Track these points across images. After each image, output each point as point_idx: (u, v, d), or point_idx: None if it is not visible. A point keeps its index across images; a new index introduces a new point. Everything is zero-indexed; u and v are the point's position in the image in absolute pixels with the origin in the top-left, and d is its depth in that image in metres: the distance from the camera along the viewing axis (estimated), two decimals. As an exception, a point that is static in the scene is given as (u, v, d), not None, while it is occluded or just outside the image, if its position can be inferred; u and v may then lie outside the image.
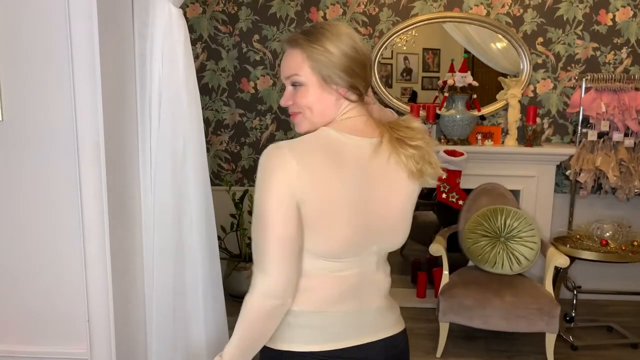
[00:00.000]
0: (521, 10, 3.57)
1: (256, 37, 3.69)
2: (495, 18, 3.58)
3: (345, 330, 1.13)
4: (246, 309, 1.07)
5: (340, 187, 1.05)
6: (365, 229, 1.09)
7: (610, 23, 3.54)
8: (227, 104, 3.78)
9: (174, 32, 1.62)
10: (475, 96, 3.53)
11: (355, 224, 1.07)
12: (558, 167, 3.58)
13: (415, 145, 1.10)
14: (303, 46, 1.09)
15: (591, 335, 3.21)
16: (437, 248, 2.98)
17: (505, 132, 3.61)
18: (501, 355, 2.99)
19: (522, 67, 3.60)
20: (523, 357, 2.94)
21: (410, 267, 4.01)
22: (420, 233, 4.41)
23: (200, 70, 3.71)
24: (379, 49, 3.61)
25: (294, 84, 1.12)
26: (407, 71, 3.85)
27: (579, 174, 3.43)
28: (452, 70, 3.57)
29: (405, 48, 3.79)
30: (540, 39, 3.58)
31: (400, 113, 3.64)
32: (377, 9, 3.61)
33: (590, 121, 3.42)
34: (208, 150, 3.78)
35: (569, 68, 3.60)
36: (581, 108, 3.43)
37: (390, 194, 1.11)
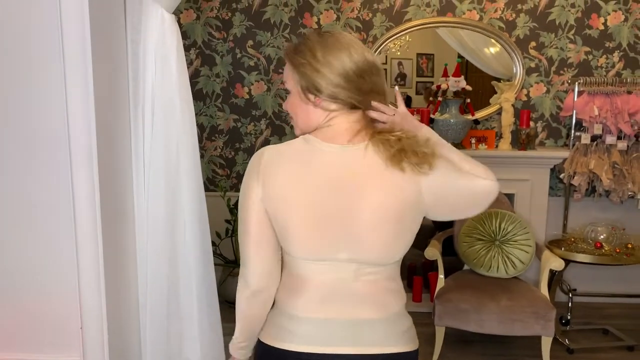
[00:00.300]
0: (514, 15, 3.59)
1: (250, 42, 3.69)
2: (488, 23, 3.60)
3: (329, 338, 1.14)
4: (237, 297, 1.23)
5: (297, 190, 1.10)
6: (326, 234, 1.11)
7: (602, 27, 3.57)
8: (222, 109, 3.78)
9: (167, 38, 1.61)
10: (468, 100, 3.54)
11: (311, 228, 1.10)
12: (552, 170, 3.60)
13: (396, 136, 1.12)
14: (289, 58, 1.16)
15: (587, 338, 3.21)
16: (433, 252, 2.97)
17: (499, 136, 3.63)
18: (497, 358, 2.98)
19: (515, 71, 3.62)
20: (519, 360, 2.94)
21: (406, 271, 4.00)
22: (415, 237, 4.42)
23: (194, 76, 3.71)
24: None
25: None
26: (401, 76, 3.86)
27: (573, 177, 3.45)
28: (445, 75, 3.58)
29: (399, 53, 3.81)
30: (533, 43, 3.61)
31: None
32: (370, 15, 3.63)
33: (584, 124, 3.44)
34: (202, 155, 3.78)
35: (561, 72, 3.63)
36: (574, 111, 3.45)
37: (361, 203, 1.09)
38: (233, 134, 3.80)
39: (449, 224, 3.34)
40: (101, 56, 1.47)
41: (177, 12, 3.54)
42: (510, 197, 3.49)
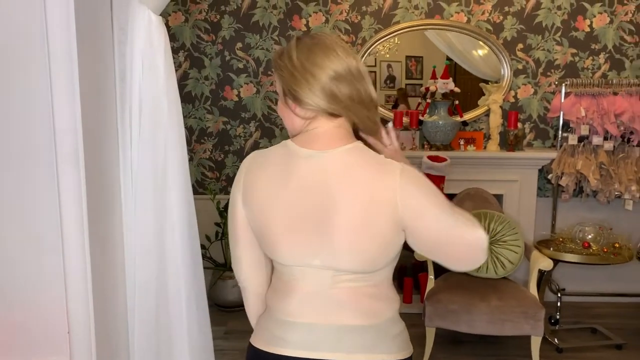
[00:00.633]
0: (501, 17, 3.62)
1: (239, 45, 3.69)
2: (476, 25, 3.62)
3: (315, 344, 1.13)
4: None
5: (274, 197, 1.11)
6: (300, 241, 1.10)
7: (588, 29, 3.61)
8: (211, 112, 3.77)
9: (154, 40, 1.60)
10: (457, 102, 3.57)
11: (286, 234, 1.11)
12: (540, 171, 3.63)
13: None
14: (274, 65, 1.16)
15: (576, 337, 3.24)
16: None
17: (488, 137, 3.65)
18: (488, 359, 3.00)
19: (502, 73, 3.65)
20: (509, 360, 2.96)
21: (397, 272, 4.00)
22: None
23: (183, 79, 3.69)
24: (362, 57, 3.63)
25: None
26: (391, 78, 3.87)
27: (561, 177, 3.48)
28: (434, 77, 3.60)
29: (388, 56, 3.82)
30: (520, 45, 3.64)
31: (384, 120, 3.67)
32: (359, 17, 3.64)
33: (571, 125, 3.47)
34: (191, 158, 3.76)
35: (548, 73, 3.66)
36: (561, 113, 3.48)
37: (335, 209, 1.06)
38: (222, 136, 3.79)
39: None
40: (87, 57, 1.46)
41: (165, 15, 3.53)
42: (499, 197, 3.51)
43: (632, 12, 3.57)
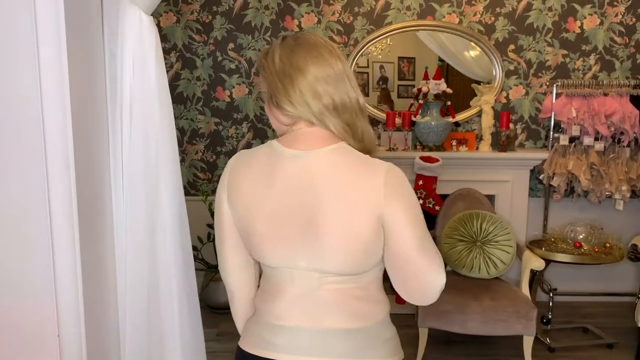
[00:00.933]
0: (493, 19, 3.64)
1: (231, 45, 3.68)
2: (468, 26, 3.64)
3: (303, 347, 1.11)
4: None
5: (259, 198, 1.10)
6: (285, 242, 1.08)
7: (579, 30, 3.63)
8: (203, 112, 3.75)
9: (145, 40, 1.59)
10: (449, 103, 3.58)
11: (271, 236, 1.10)
12: (532, 171, 3.65)
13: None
14: (259, 61, 1.15)
15: (568, 337, 3.25)
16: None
17: (480, 138, 3.66)
18: (480, 358, 3.00)
19: (494, 74, 3.67)
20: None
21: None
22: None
23: (174, 79, 3.68)
24: (355, 58, 3.63)
25: None
26: (383, 79, 3.88)
27: (552, 178, 3.50)
28: (426, 77, 3.61)
29: (380, 57, 3.82)
30: (512, 46, 3.66)
31: (376, 121, 3.68)
32: (351, 18, 3.64)
33: (562, 126, 3.49)
34: (183, 159, 3.74)
35: (540, 74, 3.68)
36: (553, 113, 3.50)
37: (320, 211, 1.05)
38: (214, 137, 3.78)
39: (431, 226, 3.36)
40: (77, 58, 1.45)
41: (156, 15, 3.51)
42: (491, 198, 3.52)
43: (622, 13, 3.60)
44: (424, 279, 1.07)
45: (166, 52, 3.58)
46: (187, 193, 1.87)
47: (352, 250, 1.06)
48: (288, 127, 1.12)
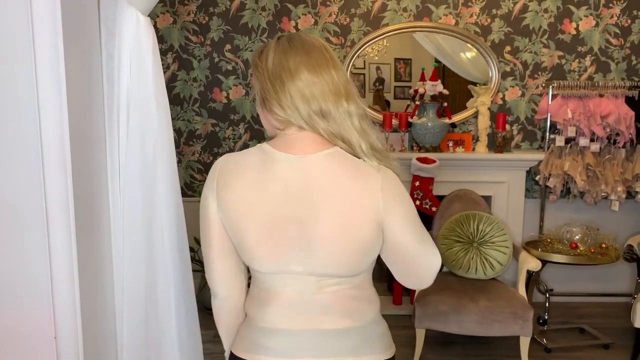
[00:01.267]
0: (489, 20, 3.65)
1: (228, 46, 3.67)
2: (464, 27, 3.65)
3: (300, 350, 1.11)
4: (212, 308, 1.25)
5: (251, 202, 1.07)
6: (280, 247, 1.07)
7: (574, 32, 3.65)
8: (199, 114, 3.75)
9: (142, 41, 1.59)
10: (446, 104, 3.58)
11: (265, 241, 1.07)
12: (528, 172, 3.66)
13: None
14: (253, 60, 1.13)
15: (564, 337, 3.26)
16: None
17: (476, 139, 3.67)
18: (477, 359, 3.01)
19: (491, 75, 3.68)
20: (498, 361, 2.97)
21: (386, 274, 4.02)
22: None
23: (171, 81, 3.67)
24: (351, 59, 3.64)
25: None
26: (380, 81, 3.88)
27: (548, 179, 3.51)
28: (423, 79, 3.62)
29: (377, 58, 3.83)
30: (508, 48, 3.67)
31: (373, 122, 3.68)
32: (348, 19, 3.64)
33: (558, 127, 3.50)
34: (180, 160, 3.74)
35: (536, 76, 3.69)
36: (548, 114, 3.51)
37: (317, 215, 1.05)
38: (211, 138, 3.77)
39: (428, 227, 3.37)
40: (74, 59, 1.44)
41: (153, 16, 3.50)
42: (487, 199, 3.53)
43: (617, 15, 3.61)
44: (424, 265, 1.14)
45: (163, 53, 3.58)
46: (183, 194, 1.86)
47: (351, 253, 1.07)
48: (274, 130, 1.12)
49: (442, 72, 3.76)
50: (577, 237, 3.28)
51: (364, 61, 3.79)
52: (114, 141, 1.66)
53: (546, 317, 3.33)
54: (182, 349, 1.79)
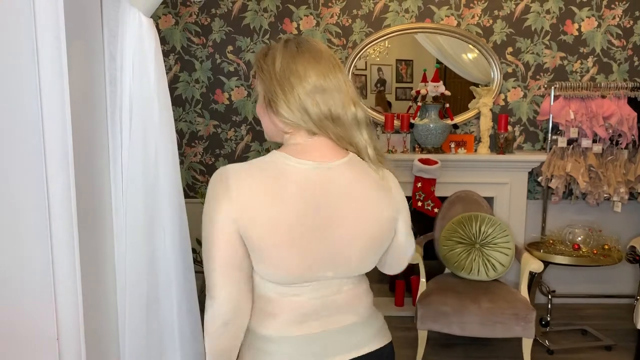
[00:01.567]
0: (491, 21, 3.65)
1: (230, 48, 3.68)
2: (466, 29, 3.65)
3: (309, 353, 1.10)
4: (205, 329, 1.10)
5: (273, 211, 1.03)
6: (312, 256, 1.06)
7: (576, 33, 3.65)
8: (201, 115, 3.75)
9: (145, 42, 1.59)
10: (447, 105, 3.58)
11: (290, 249, 1.04)
12: (530, 173, 3.65)
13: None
14: (257, 61, 1.13)
15: (566, 339, 3.25)
16: (414, 256, 2.99)
17: (478, 140, 3.67)
18: (479, 361, 3.01)
19: (492, 76, 3.68)
20: (501, 362, 2.97)
21: (388, 275, 4.01)
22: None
23: (173, 82, 3.68)
24: (353, 60, 3.64)
25: None
26: (381, 82, 3.88)
27: (551, 180, 3.50)
28: (424, 80, 3.62)
29: (378, 59, 3.83)
30: (510, 49, 3.67)
31: (374, 123, 3.68)
32: (350, 20, 3.65)
33: (560, 128, 3.50)
34: (182, 162, 3.74)
35: (538, 77, 3.69)
36: (551, 116, 3.51)
37: (340, 221, 1.07)
38: (213, 140, 3.78)
39: (430, 228, 3.36)
40: (77, 60, 1.44)
41: (155, 18, 3.51)
42: (489, 200, 3.53)
43: (620, 16, 3.61)
44: (406, 256, 1.27)
45: (165, 54, 3.58)
46: (185, 195, 1.86)
47: (375, 253, 1.15)
48: (284, 133, 1.11)
49: (443, 73, 3.76)
50: (579, 238, 3.28)
51: (366, 62, 3.79)
52: (116, 142, 1.66)
53: (548, 319, 3.32)
54: (183, 350, 1.80)
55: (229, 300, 1.06)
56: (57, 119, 1.39)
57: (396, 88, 3.91)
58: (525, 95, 3.72)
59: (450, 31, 3.64)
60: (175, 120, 3.64)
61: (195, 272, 1.90)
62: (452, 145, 3.58)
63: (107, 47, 1.61)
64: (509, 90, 3.71)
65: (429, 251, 3.24)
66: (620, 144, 3.47)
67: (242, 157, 3.77)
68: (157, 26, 3.51)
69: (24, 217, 1.43)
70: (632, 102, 3.45)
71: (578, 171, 3.41)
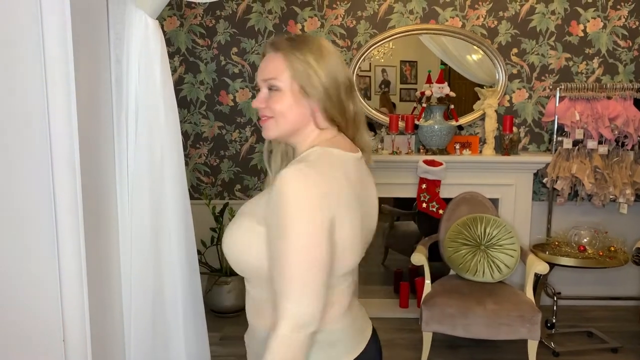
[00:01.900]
0: (496, 22, 3.64)
1: (234, 50, 3.68)
2: (471, 30, 3.64)
3: (358, 331, 1.19)
4: (277, 344, 0.96)
5: (351, 205, 1.06)
6: (361, 243, 1.13)
7: (582, 34, 3.63)
8: (206, 116, 3.76)
9: (151, 44, 1.60)
10: (452, 106, 3.58)
11: (359, 239, 1.11)
12: (535, 175, 3.64)
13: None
14: (286, 52, 1.09)
15: (572, 341, 3.24)
16: (419, 258, 2.98)
17: (483, 142, 3.66)
18: (484, 363, 3.00)
19: (497, 77, 3.67)
20: (506, 364, 2.96)
21: (393, 277, 4.01)
22: (401, 243, 4.43)
23: (178, 84, 3.69)
24: (357, 62, 3.64)
25: (270, 88, 1.11)
26: (385, 83, 3.88)
27: (556, 181, 3.49)
28: (429, 81, 3.61)
29: (382, 60, 3.83)
30: (515, 50, 3.66)
31: (379, 124, 3.68)
32: (354, 22, 3.64)
33: (565, 129, 3.48)
34: (187, 163, 3.75)
35: (543, 78, 3.68)
36: (556, 117, 3.50)
37: (373, 206, 1.21)
38: (218, 141, 3.78)
39: (435, 230, 3.36)
40: (84, 62, 1.45)
41: (160, 20, 3.52)
42: (494, 201, 3.51)
43: (625, 17, 3.60)
44: None
45: (170, 56, 3.58)
46: (190, 197, 1.86)
47: (363, 249, 1.20)
48: (305, 127, 1.12)
49: (448, 74, 3.76)
50: (585, 240, 3.26)
51: (370, 63, 3.79)
52: (122, 144, 1.66)
53: (554, 321, 3.31)
54: (189, 352, 1.80)
55: (318, 305, 0.99)
56: (64, 122, 1.40)
57: (400, 89, 3.90)
58: (530, 97, 3.70)
59: (455, 32, 3.63)
60: (180, 121, 3.63)
61: (200, 274, 1.90)
62: (457, 146, 3.57)
63: (113, 49, 1.62)
64: (514, 92, 3.70)
65: (433, 253, 3.23)
66: (626, 145, 3.45)
67: (247, 159, 3.78)
68: (162, 28, 3.53)
69: (30, 221, 1.44)
70: (638, 103, 3.43)
71: (584, 172, 3.40)
